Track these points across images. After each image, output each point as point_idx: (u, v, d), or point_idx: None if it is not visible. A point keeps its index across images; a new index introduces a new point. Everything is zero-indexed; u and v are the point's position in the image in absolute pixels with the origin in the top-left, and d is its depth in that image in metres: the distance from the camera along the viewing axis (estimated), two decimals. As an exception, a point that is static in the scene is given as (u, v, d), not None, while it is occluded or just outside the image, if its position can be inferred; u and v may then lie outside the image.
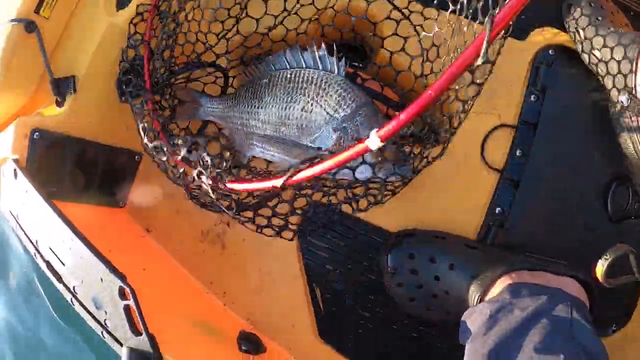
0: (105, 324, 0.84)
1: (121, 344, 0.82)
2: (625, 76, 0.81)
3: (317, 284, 1.02)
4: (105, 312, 0.84)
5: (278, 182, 0.63)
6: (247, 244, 1.06)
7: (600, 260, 0.64)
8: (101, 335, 0.85)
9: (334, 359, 0.99)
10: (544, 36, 0.97)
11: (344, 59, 0.87)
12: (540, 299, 0.65)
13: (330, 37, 1.02)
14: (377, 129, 0.53)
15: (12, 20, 0.97)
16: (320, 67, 0.87)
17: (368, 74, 1.00)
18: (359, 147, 0.54)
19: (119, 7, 1.04)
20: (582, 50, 0.91)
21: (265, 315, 1.03)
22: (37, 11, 0.98)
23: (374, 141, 0.53)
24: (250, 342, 0.95)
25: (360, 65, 1.08)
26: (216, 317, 1.02)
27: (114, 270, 0.79)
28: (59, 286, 0.92)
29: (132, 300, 0.77)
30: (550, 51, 0.96)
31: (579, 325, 0.62)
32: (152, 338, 0.78)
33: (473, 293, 0.75)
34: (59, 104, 1.06)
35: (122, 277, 0.78)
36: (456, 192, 0.94)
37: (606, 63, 0.85)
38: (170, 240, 1.14)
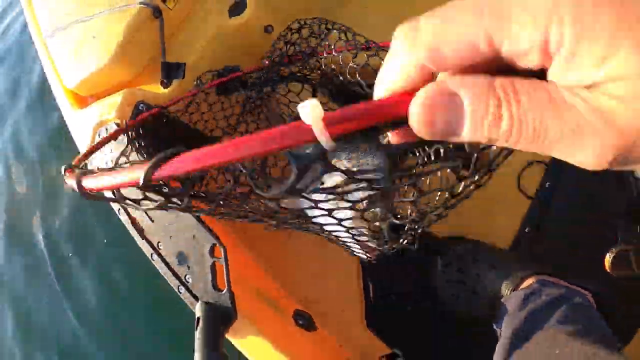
0: (186, 279, 0.93)
1: (197, 299, 0.91)
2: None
3: (370, 278, 1.10)
4: (188, 268, 0.93)
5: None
6: (311, 236, 1.16)
7: (608, 253, 0.75)
8: (177, 289, 0.94)
9: (376, 346, 1.07)
10: None
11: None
12: (562, 289, 0.79)
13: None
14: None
15: (142, 3, 1.11)
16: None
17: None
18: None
19: (231, 15, 1.19)
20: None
21: (319, 299, 1.11)
22: (164, 1, 1.13)
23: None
24: (305, 319, 1.04)
25: None
26: (275, 294, 1.11)
27: (209, 230, 0.89)
28: (140, 242, 1.02)
29: (223, 257, 0.87)
30: None
31: (593, 312, 0.72)
32: (233, 295, 0.86)
33: (505, 288, 0.86)
34: (165, 85, 1.19)
35: (216, 237, 0.88)
36: (495, 210, 1.09)
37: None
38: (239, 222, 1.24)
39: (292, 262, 1.16)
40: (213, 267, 0.89)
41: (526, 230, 1.05)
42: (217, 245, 0.87)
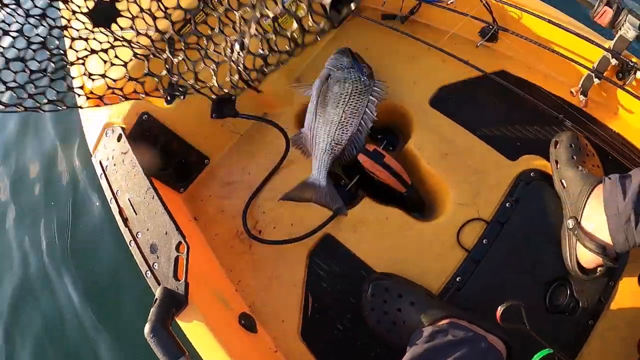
0: (153, 266, 1.09)
1: (159, 283, 1.06)
2: (577, 207, 1.08)
3: (311, 294, 1.25)
4: (157, 257, 1.09)
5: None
6: (268, 251, 1.32)
7: (500, 306, 0.89)
8: (144, 273, 1.10)
9: (306, 358, 1.20)
10: (531, 161, 1.27)
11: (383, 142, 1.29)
12: (469, 333, 0.89)
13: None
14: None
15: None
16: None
17: (394, 155, 1.34)
18: None
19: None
20: (555, 177, 1.18)
21: (265, 307, 1.26)
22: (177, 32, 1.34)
23: None
24: (247, 321, 1.18)
25: (391, 148, 1.42)
26: (228, 295, 1.25)
27: (179, 229, 1.06)
28: (123, 229, 1.19)
29: (185, 253, 1.02)
30: (531, 173, 1.26)
31: (493, 358, 0.85)
32: (187, 285, 1.01)
33: (422, 324, 0.97)
34: (168, 101, 1.38)
35: (183, 236, 1.04)
36: (432, 256, 1.21)
37: (568, 192, 1.10)
38: (210, 230, 1.40)
39: (248, 271, 1.31)
40: (176, 260, 1.04)
41: (457, 279, 1.15)
42: (183, 243, 1.02)
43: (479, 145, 1.32)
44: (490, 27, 1.38)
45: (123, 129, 1.31)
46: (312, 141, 1.31)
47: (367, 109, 1.29)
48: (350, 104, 1.28)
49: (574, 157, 1.15)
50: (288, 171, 1.40)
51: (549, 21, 1.23)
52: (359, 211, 1.30)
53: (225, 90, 1.20)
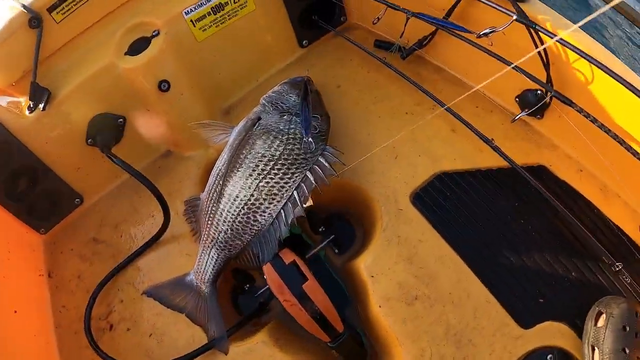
0: None
1: None
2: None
3: None
4: None
5: None
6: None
7: None
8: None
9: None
10: (551, 334, 0.75)
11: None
12: None
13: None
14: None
15: (23, 6, 0.85)
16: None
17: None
18: None
19: (130, 54, 0.91)
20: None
21: None
22: (50, 10, 0.87)
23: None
24: None
25: (336, 250, 0.91)
26: None
27: None
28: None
29: None
30: (549, 356, 0.75)
31: None
32: None
33: None
34: (30, 109, 0.92)
35: None
36: None
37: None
38: (59, 299, 0.96)
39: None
40: None
41: None
42: None
43: (475, 290, 0.79)
44: (539, 92, 0.84)
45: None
46: (205, 220, 0.82)
47: (295, 192, 0.78)
48: (271, 178, 0.78)
49: (626, 349, 0.72)
50: (168, 250, 0.93)
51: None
52: (245, 352, 0.80)
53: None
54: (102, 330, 0.89)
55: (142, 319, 0.87)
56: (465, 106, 0.84)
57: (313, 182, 0.77)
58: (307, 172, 0.79)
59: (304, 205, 0.77)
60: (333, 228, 0.91)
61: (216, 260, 0.80)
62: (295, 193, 0.77)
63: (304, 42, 1.11)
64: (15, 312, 0.88)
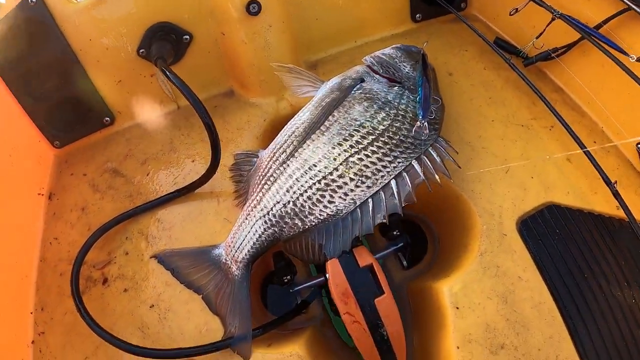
0: None
1: None
2: None
3: None
4: None
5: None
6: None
7: None
8: None
9: None
10: None
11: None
12: None
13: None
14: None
15: None
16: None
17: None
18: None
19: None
20: None
21: None
22: None
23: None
24: None
25: (405, 263, 0.71)
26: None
27: None
28: None
29: None
30: None
31: None
32: None
33: None
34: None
35: None
36: None
37: None
38: (53, 228, 0.78)
39: (60, 328, 0.69)
40: None
41: None
42: None
43: (566, 354, 0.59)
44: None
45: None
46: (260, 183, 0.62)
47: (394, 181, 0.58)
48: (367, 155, 0.58)
49: None
50: (202, 207, 0.72)
51: None
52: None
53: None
54: (94, 281, 0.70)
55: (147, 283, 0.67)
56: (582, 137, 0.64)
57: (421, 174, 0.57)
58: (414, 161, 0.59)
59: (403, 202, 0.56)
60: (406, 235, 0.71)
61: (260, 236, 0.60)
62: (393, 182, 0.57)
63: (418, 16, 0.91)
64: (-1, 226, 0.69)
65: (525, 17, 0.76)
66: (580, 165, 0.70)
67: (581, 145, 0.64)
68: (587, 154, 0.64)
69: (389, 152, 0.58)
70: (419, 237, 0.77)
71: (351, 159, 0.57)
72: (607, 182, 0.61)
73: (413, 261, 0.75)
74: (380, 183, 0.57)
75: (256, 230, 0.60)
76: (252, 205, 0.62)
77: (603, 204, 0.69)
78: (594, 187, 0.69)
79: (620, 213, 0.64)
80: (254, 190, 0.62)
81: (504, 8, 0.78)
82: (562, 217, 0.69)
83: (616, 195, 0.61)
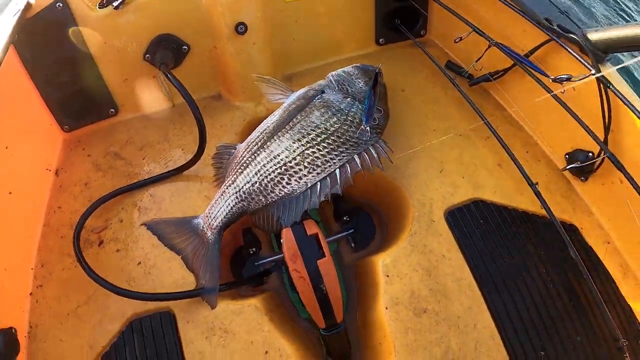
0: None
1: None
2: None
3: None
4: None
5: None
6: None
7: None
8: None
9: None
10: None
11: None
12: None
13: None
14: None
15: None
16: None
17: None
18: None
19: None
20: None
21: (45, 342, 0.74)
22: None
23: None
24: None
25: (352, 244, 0.85)
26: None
27: None
28: None
29: None
30: None
31: None
32: None
33: None
34: (102, 5, 0.88)
35: None
36: None
37: None
38: (58, 198, 0.90)
39: (58, 282, 0.80)
40: None
41: None
42: None
43: (483, 323, 0.73)
44: (591, 154, 0.81)
45: (28, 4, 0.83)
46: (235, 168, 0.76)
47: (337, 170, 0.73)
48: (318, 149, 0.73)
49: None
50: (188, 186, 0.87)
51: None
52: (234, 312, 0.73)
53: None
54: (91, 243, 0.83)
55: (136, 245, 0.81)
56: (516, 147, 0.80)
57: (359, 165, 0.73)
58: (355, 155, 0.74)
59: (342, 186, 0.72)
60: (355, 221, 0.86)
61: (231, 208, 0.74)
62: (337, 171, 0.73)
63: (381, 40, 1.08)
64: (10, 193, 0.82)
65: (472, 43, 0.91)
66: (510, 170, 0.84)
67: (507, 150, 0.79)
68: (512, 157, 0.79)
69: (336, 148, 0.73)
70: (368, 224, 0.92)
71: (307, 151, 0.73)
72: (530, 183, 0.76)
73: (362, 245, 0.89)
74: (327, 171, 0.72)
75: (229, 204, 0.75)
76: (227, 184, 0.76)
77: (527, 204, 0.83)
78: (521, 189, 0.83)
79: (543, 212, 0.76)
80: (230, 173, 0.77)
81: (456, 35, 0.93)
82: (487, 210, 0.83)
83: (538, 194, 0.74)
